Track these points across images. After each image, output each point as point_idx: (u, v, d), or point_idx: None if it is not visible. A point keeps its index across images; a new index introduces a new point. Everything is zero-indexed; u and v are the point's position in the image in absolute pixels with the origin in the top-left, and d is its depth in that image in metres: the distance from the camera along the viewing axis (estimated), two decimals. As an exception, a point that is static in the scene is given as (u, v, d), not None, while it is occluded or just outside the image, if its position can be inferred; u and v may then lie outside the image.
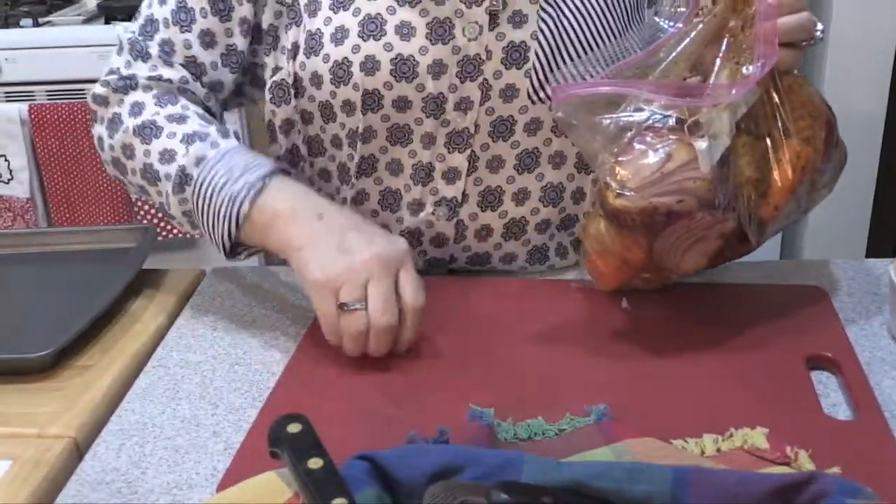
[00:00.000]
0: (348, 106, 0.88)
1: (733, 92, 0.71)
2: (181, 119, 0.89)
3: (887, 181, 2.08)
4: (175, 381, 0.80)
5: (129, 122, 0.90)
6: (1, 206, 2.11)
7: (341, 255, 0.77)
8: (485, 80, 0.87)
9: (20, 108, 2.03)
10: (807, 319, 0.83)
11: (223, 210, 0.82)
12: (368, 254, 0.77)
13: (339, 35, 0.87)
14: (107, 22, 2.14)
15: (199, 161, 0.85)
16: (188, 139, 0.86)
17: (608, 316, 0.85)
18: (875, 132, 2.02)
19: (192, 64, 0.92)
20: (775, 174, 0.75)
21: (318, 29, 0.88)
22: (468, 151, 0.90)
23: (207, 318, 0.90)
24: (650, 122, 0.72)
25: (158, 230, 2.06)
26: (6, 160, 2.06)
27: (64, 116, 2.03)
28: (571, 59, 0.86)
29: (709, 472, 0.57)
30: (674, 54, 0.74)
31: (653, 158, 0.71)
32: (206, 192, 0.84)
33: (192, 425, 0.74)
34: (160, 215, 2.08)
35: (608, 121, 0.73)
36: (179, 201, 0.86)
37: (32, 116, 2.03)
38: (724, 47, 0.73)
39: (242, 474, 0.66)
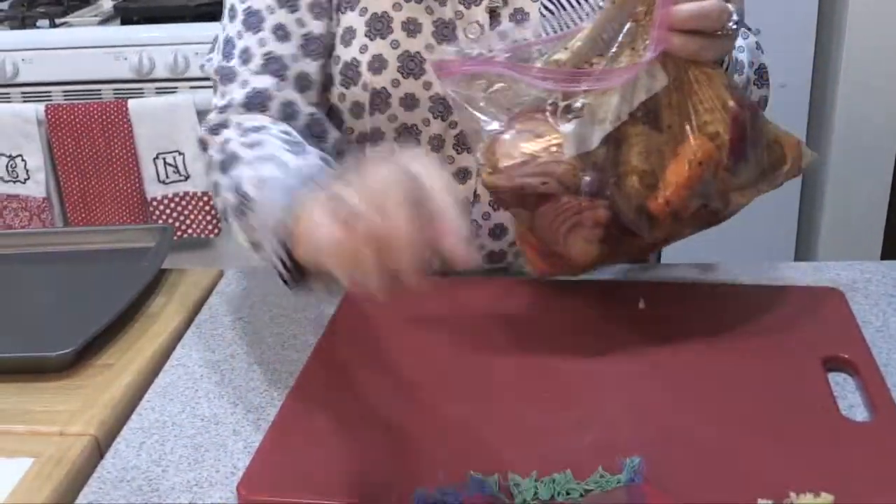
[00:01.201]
0: (357, 107, 0.89)
1: (620, 77, 0.70)
2: (257, 144, 0.80)
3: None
4: (194, 380, 0.81)
5: (217, 158, 0.83)
6: (17, 205, 2.12)
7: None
8: None
9: (37, 109, 2.04)
10: (823, 321, 0.83)
11: (271, 223, 0.68)
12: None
13: (348, 36, 0.88)
14: (123, 23, 2.15)
15: (261, 182, 0.73)
16: (259, 161, 0.77)
17: (625, 317, 0.85)
18: (890, 133, 2.02)
19: (271, 61, 0.88)
20: (671, 168, 0.72)
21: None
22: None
23: (226, 317, 0.91)
24: (531, 104, 0.73)
25: (174, 230, 2.07)
26: (23, 160, 2.07)
27: (80, 117, 2.04)
28: None
29: None
30: (577, 40, 0.73)
31: (524, 139, 0.73)
32: (263, 213, 0.71)
33: (212, 424, 0.75)
34: (175, 215, 2.09)
35: (490, 100, 0.74)
36: (244, 229, 0.75)
37: (49, 117, 2.04)
38: (623, 32, 0.72)
39: (262, 473, 0.67)
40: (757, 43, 0.96)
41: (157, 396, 0.79)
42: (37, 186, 2.09)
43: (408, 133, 0.90)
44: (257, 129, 0.84)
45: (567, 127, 0.71)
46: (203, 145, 0.87)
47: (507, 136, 0.73)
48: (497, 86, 0.74)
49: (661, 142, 0.73)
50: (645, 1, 0.71)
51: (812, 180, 2.14)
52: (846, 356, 0.77)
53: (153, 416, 0.77)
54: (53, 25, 2.13)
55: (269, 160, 0.76)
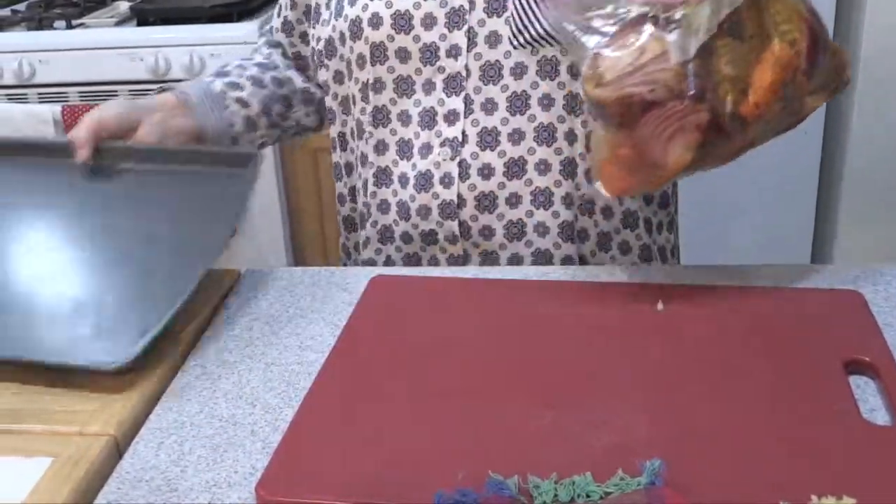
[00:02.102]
0: (361, 59, 1.02)
1: None
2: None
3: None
4: (212, 381, 0.81)
5: None
6: (34, 206, 2.13)
7: None
8: (470, 28, 0.98)
9: (53, 110, 2.05)
10: (844, 323, 0.83)
11: None
12: None
13: None
14: (139, 24, 2.16)
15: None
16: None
17: (644, 319, 0.85)
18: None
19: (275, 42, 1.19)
20: (756, 73, 0.79)
21: None
22: (463, 94, 1.00)
23: (243, 318, 0.91)
24: (632, 20, 0.79)
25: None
26: (39, 161, 2.08)
27: (96, 118, 2.05)
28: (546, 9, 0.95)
29: None
30: None
31: (629, 51, 0.78)
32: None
33: (230, 424, 0.75)
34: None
35: (592, 17, 0.80)
36: None
37: (65, 118, 2.05)
38: None
39: (280, 474, 0.67)
40: None
41: (174, 397, 0.80)
42: (53, 187, 2.10)
43: (404, 83, 1.02)
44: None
45: (671, 36, 0.77)
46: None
47: (610, 50, 0.79)
48: (598, 7, 0.80)
49: (744, 51, 0.79)
50: None
51: (829, 181, 2.13)
52: (867, 359, 0.77)
53: (171, 417, 0.77)
54: (70, 27, 2.15)
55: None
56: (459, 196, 1.01)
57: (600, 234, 1.04)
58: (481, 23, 0.97)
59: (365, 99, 1.04)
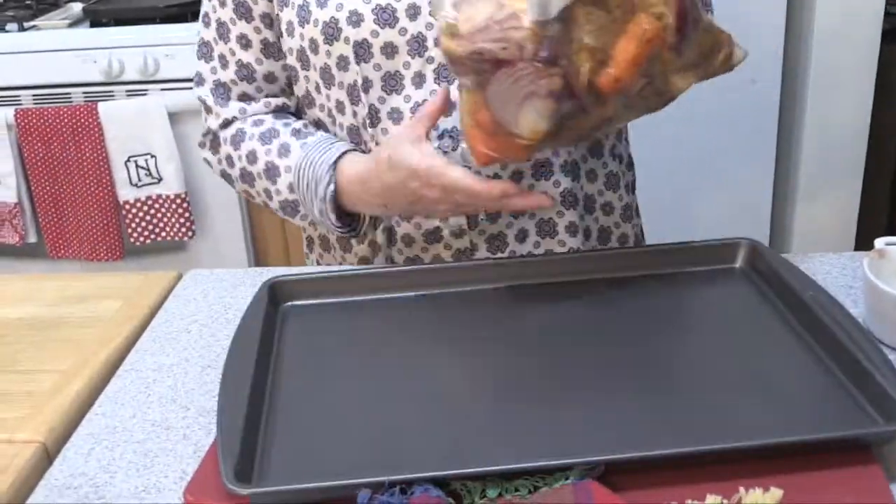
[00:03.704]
0: (343, 60, 0.96)
1: None
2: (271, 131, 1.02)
3: (875, 179, 2.09)
4: (147, 385, 0.80)
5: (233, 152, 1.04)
6: (-12, 211, 2.10)
7: None
8: None
9: (6, 113, 2.02)
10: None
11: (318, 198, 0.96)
12: None
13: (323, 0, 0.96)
14: (92, 26, 2.14)
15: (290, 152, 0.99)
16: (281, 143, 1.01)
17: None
18: (861, 130, 2.02)
19: (242, 68, 1.03)
20: (619, 46, 0.76)
21: (305, 0, 0.96)
22: (456, 81, 0.95)
23: (181, 320, 0.90)
24: None
25: (145, 235, 2.06)
26: (-7, 165, 2.06)
27: (50, 120, 2.03)
28: None
29: None
30: None
31: (486, 6, 0.75)
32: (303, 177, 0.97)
33: (163, 428, 0.74)
34: (148, 218, 2.08)
35: None
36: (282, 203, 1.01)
37: (19, 121, 2.03)
38: None
39: (209, 478, 0.66)
40: None
41: (108, 402, 0.78)
42: (7, 192, 2.08)
43: (392, 80, 0.97)
44: (261, 121, 1.03)
45: None
46: (213, 147, 1.06)
47: (468, 4, 0.76)
48: None
49: (608, 21, 0.76)
50: None
51: (784, 179, 2.14)
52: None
53: (103, 422, 0.76)
54: (22, 29, 2.12)
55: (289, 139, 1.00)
56: None
57: (585, 197, 1.04)
58: None
59: (355, 102, 0.99)
